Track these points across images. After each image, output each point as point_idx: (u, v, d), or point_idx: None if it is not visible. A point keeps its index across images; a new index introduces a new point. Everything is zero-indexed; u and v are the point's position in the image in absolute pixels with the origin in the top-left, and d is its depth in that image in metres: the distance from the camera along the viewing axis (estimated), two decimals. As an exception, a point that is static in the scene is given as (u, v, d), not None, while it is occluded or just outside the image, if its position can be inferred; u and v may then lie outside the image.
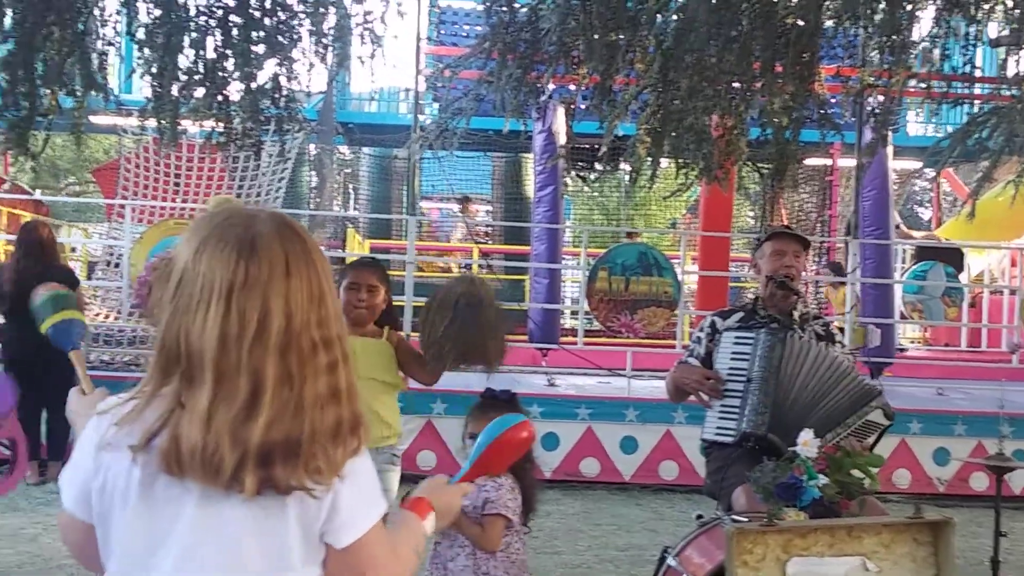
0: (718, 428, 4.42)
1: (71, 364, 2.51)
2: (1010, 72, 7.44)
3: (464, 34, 14.05)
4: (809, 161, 14.93)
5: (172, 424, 1.66)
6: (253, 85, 5.95)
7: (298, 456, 1.66)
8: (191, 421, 1.64)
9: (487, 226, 18.57)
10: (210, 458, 1.63)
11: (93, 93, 5.99)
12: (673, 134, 6.68)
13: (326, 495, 1.73)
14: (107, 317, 11.17)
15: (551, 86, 8.34)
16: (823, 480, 3.43)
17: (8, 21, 5.55)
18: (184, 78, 6.17)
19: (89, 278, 12.55)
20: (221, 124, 6.49)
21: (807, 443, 3.47)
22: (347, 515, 1.76)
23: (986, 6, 7.03)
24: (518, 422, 2.29)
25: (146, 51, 6.11)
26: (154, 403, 1.69)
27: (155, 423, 1.66)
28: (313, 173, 17.04)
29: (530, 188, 15.74)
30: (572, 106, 8.28)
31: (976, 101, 9.79)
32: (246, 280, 1.66)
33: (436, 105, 12.37)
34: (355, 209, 18.38)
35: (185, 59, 6.10)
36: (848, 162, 14.29)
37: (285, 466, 1.66)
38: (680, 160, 7.23)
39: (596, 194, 22.96)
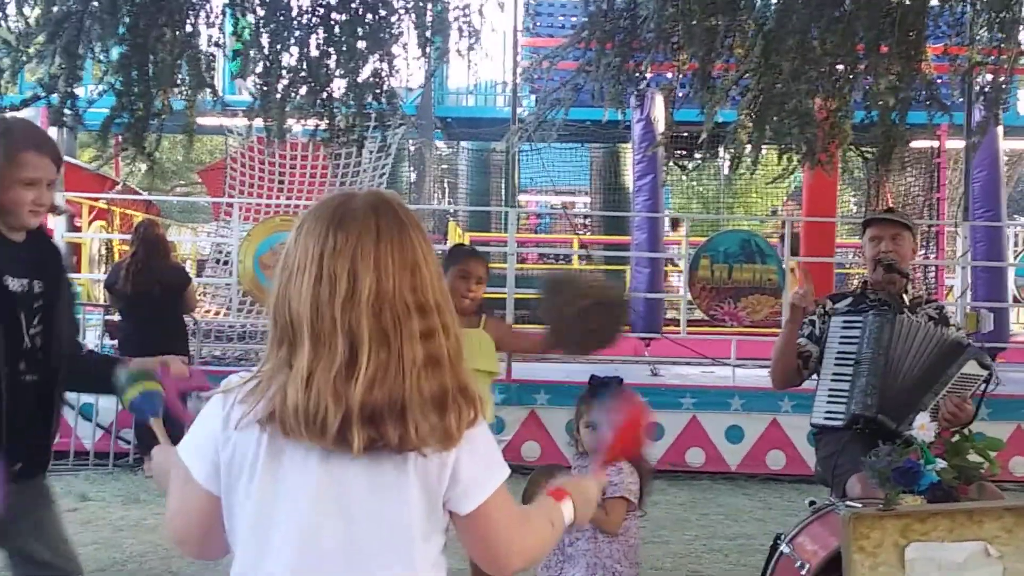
0: (827, 412, 4.36)
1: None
2: None
3: (560, 25, 14.04)
4: (915, 144, 14.57)
5: (281, 388, 1.72)
6: (356, 80, 6.03)
7: (404, 417, 1.70)
8: (293, 382, 1.70)
9: (586, 217, 18.55)
10: (313, 416, 1.68)
11: (202, 94, 6.14)
12: (775, 118, 6.59)
13: (447, 463, 1.77)
14: (217, 313, 11.46)
15: (649, 74, 8.30)
16: (941, 464, 3.35)
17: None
18: (288, 77, 6.28)
19: (199, 275, 12.88)
20: (324, 121, 6.59)
21: (924, 427, 3.39)
22: (468, 483, 1.79)
23: (1102, -22, 6.79)
24: (640, 408, 2.30)
25: (252, 52, 6.25)
26: (275, 376, 1.75)
27: (273, 392, 1.73)
28: (412, 168, 17.21)
29: (628, 178, 15.68)
30: (671, 93, 8.22)
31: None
32: (335, 246, 1.73)
33: (533, 97, 12.38)
34: (453, 203, 18.50)
35: (290, 58, 6.22)
36: (956, 144, 13.91)
37: (393, 425, 1.70)
38: (782, 145, 7.14)
39: (694, 183, 22.75)
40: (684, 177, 20.56)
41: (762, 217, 20.98)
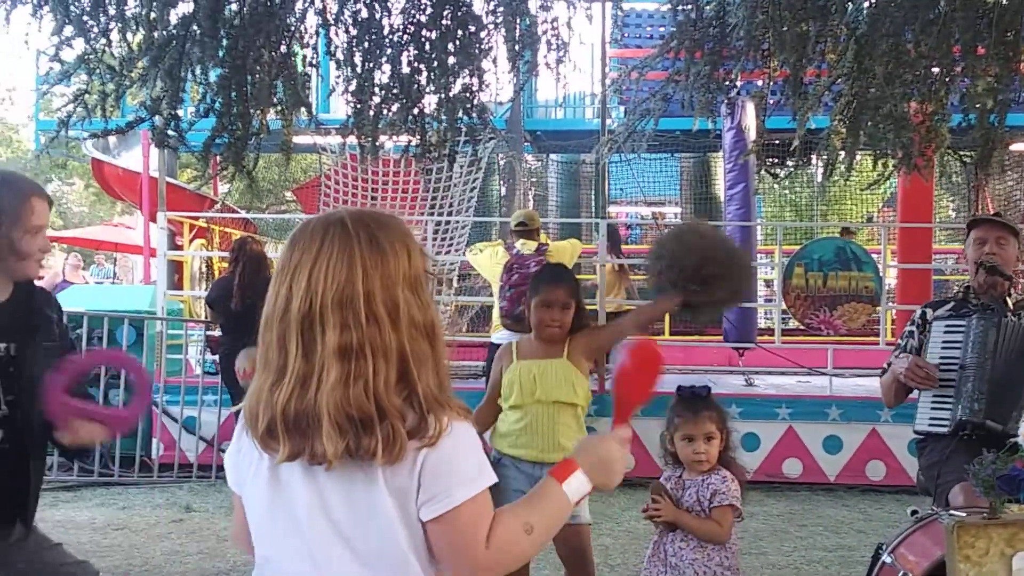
0: (932, 419, 4.29)
1: None
2: None
3: (648, 36, 14.02)
4: (1015, 146, 14.21)
5: None
6: (447, 96, 6.10)
7: (319, 430, 1.75)
8: (250, 392, 1.85)
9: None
10: (251, 419, 1.82)
11: (298, 113, 6.27)
12: (869, 123, 6.49)
13: (414, 470, 1.80)
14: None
15: (739, 82, 8.24)
16: (1048, 472, 3.28)
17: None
18: (381, 94, 6.38)
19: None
20: (416, 137, 6.68)
21: (1029, 433, 3.32)
22: (432, 491, 1.81)
23: None
24: (636, 343, 2.20)
25: (344, 70, 6.37)
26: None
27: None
28: (502, 182, 17.32)
29: (719, 187, 15.56)
30: (763, 101, 8.15)
31: None
32: (283, 265, 1.85)
33: (622, 108, 12.38)
34: (545, 215, 18.56)
35: (382, 75, 6.32)
36: (1058, 145, 13.54)
37: (312, 437, 1.76)
38: (877, 150, 7.03)
39: (786, 191, 22.47)
40: (776, 185, 20.36)
41: (859, 224, 20.64)
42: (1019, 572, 3.10)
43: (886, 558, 3.70)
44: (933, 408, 4.32)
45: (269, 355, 1.82)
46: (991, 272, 4.32)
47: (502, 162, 16.97)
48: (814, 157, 8.93)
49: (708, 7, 6.70)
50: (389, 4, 6.17)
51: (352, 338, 1.77)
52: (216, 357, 8.89)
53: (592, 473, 1.99)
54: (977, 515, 3.17)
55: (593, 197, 16.92)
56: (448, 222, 12.95)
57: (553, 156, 18.34)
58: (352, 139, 6.63)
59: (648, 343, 2.22)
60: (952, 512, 3.45)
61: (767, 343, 10.79)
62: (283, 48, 6.24)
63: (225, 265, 9.44)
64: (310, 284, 1.79)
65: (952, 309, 4.47)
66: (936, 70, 6.51)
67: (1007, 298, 4.38)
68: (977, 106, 6.58)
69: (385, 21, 6.26)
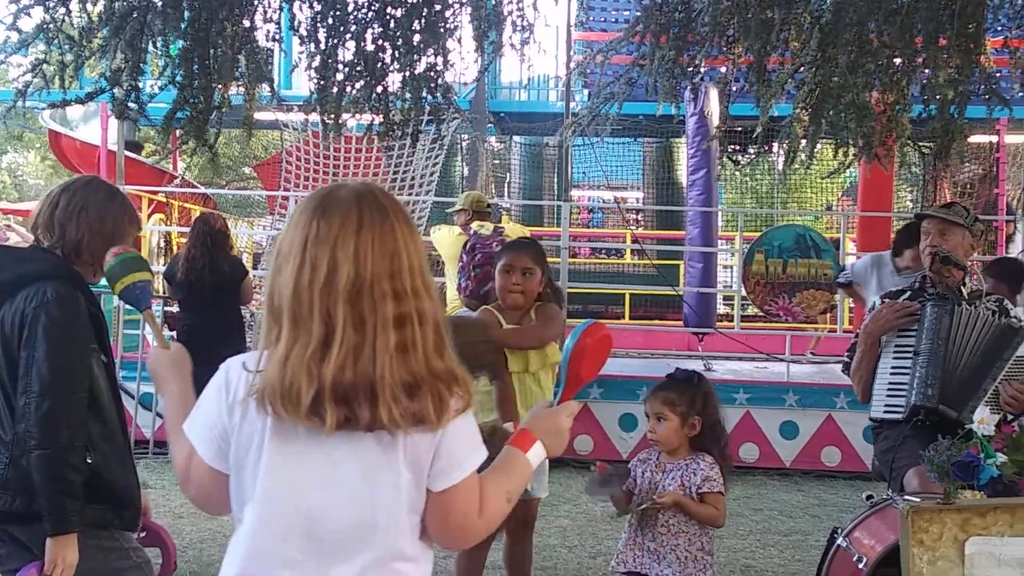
0: (887, 406, 4.35)
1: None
2: None
3: (613, 19, 14.01)
4: (974, 138, 14.36)
5: (265, 369, 1.84)
6: (412, 74, 6.06)
7: (375, 398, 1.79)
8: (272, 361, 1.82)
9: (638, 211, 18.50)
10: (287, 392, 1.78)
11: (260, 88, 6.21)
12: (831, 112, 6.53)
13: (434, 441, 1.88)
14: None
15: (704, 68, 8.25)
16: (1001, 458, 3.33)
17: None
18: (344, 71, 6.33)
19: (255, 268, 13.03)
20: (380, 115, 6.63)
21: (984, 421, 3.36)
22: (447, 462, 1.90)
23: None
24: (589, 325, 2.31)
25: (308, 46, 6.30)
26: (265, 355, 1.87)
27: (261, 374, 1.84)
28: (465, 163, 17.27)
29: (682, 173, 15.62)
30: (726, 87, 8.16)
31: None
32: (318, 234, 1.83)
33: (586, 92, 12.36)
34: (507, 198, 18.54)
35: (345, 52, 6.26)
36: (1016, 138, 13.71)
37: (364, 405, 1.80)
38: (839, 139, 7.07)
39: (747, 178, 22.59)
40: (737, 172, 20.45)
41: (817, 212, 20.80)
42: (972, 557, 3.14)
43: (841, 542, 3.74)
44: (889, 395, 4.37)
45: (301, 325, 1.81)
46: (944, 262, 4.37)
47: (465, 143, 16.91)
48: (776, 145, 8.99)
49: (674, -8, 6.69)
50: (354, -21, 6.12)
51: (406, 308, 1.84)
52: (174, 333, 8.81)
53: (547, 443, 2.15)
54: (931, 500, 3.21)
55: (556, 180, 16.94)
56: (409, 202, 12.90)
57: (517, 138, 18.30)
58: (315, 116, 6.57)
59: (600, 326, 2.33)
60: (907, 497, 3.50)
61: (727, 329, 10.86)
62: (246, 22, 6.18)
63: (184, 240, 9.35)
64: (358, 255, 1.82)
65: (909, 298, 4.51)
66: (898, 60, 6.56)
67: (961, 287, 4.43)
68: (938, 97, 6.64)
69: (350, -3, 6.21)
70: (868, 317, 4.59)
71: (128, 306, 2.79)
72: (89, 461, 2.99)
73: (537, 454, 2.11)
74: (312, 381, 1.78)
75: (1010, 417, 4.11)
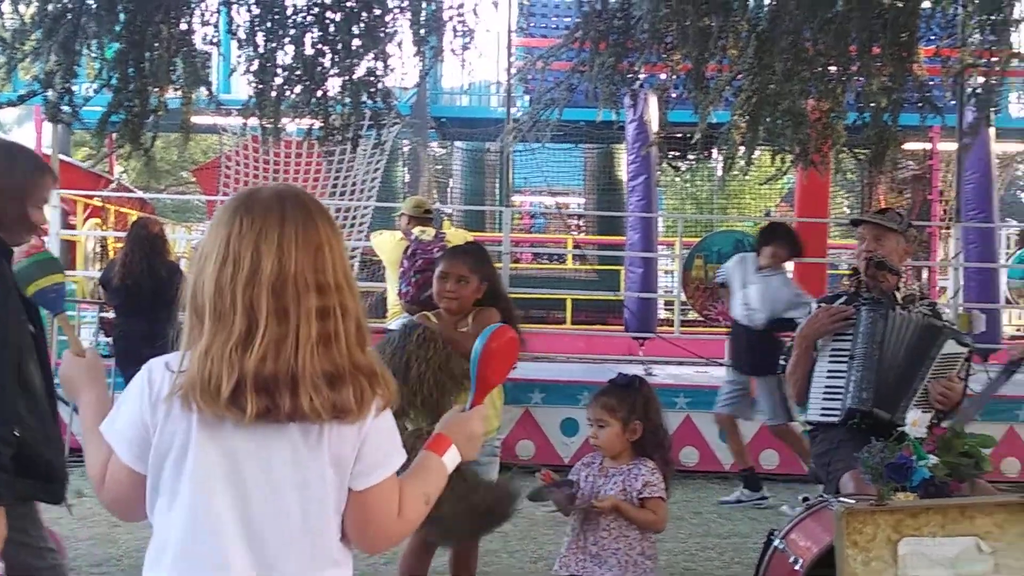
0: (823, 409, 4.40)
1: None
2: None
3: (553, 25, 14.07)
4: (908, 145, 14.61)
5: (187, 366, 1.84)
6: (351, 79, 6.04)
7: (296, 389, 1.81)
8: (193, 357, 1.83)
9: (580, 217, 18.58)
10: (207, 383, 1.79)
11: (197, 92, 6.15)
12: (768, 119, 6.62)
13: (358, 439, 1.90)
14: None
15: (643, 75, 8.31)
16: (933, 460, 3.38)
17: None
18: (283, 75, 6.29)
19: (192, 274, 12.88)
20: (319, 120, 6.60)
21: (916, 423, 3.43)
22: (369, 461, 1.93)
23: (1094, -22, 6.83)
24: (496, 329, 2.31)
25: (246, 50, 6.25)
26: (188, 355, 1.86)
27: (184, 371, 1.84)
28: (406, 168, 17.23)
29: (623, 179, 15.71)
30: (665, 94, 8.23)
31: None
32: (240, 230, 1.85)
33: (527, 97, 12.41)
34: (449, 203, 18.53)
35: (284, 56, 6.23)
36: (949, 145, 13.96)
37: (285, 395, 1.81)
38: (776, 146, 7.16)
39: (688, 184, 22.78)
40: (678, 178, 20.63)
41: (756, 218, 21.02)
42: (904, 557, 3.19)
43: (778, 544, 3.78)
44: (825, 398, 4.42)
45: (223, 319, 1.82)
46: (879, 267, 4.44)
47: (406, 148, 16.87)
48: (715, 151, 9.08)
49: (613, -1, 6.74)
50: (293, -17, 6.09)
51: (329, 301, 1.86)
52: (110, 339, 8.68)
53: (461, 446, 2.16)
54: (865, 502, 3.25)
55: (498, 185, 16.95)
56: (350, 207, 12.83)
57: (458, 143, 18.31)
58: (254, 120, 6.52)
59: (507, 329, 2.33)
60: (841, 499, 3.54)
61: (667, 333, 10.93)
62: (183, 25, 6.11)
63: (120, 246, 9.22)
64: (282, 250, 1.84)
65: (844, 303, 4.57)
66: (833, 68, 6.66)
67: (896, 292, 4.50)
68: (872, 105, 6.76)
69: (288, 1, 6.17)
70: (805, 321, 4.65)
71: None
72: (16, 434, 2.91)
73: (452, 458, 2.14)
74: (233, 372, 1.79)
75: (941, 418, 4.18)
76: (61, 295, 2.64)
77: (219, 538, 1.85)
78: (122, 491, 1.96)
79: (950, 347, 4.23)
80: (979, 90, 7.81)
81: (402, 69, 6.51)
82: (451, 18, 6.35)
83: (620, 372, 4.07)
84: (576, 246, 14.85)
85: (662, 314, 14.05)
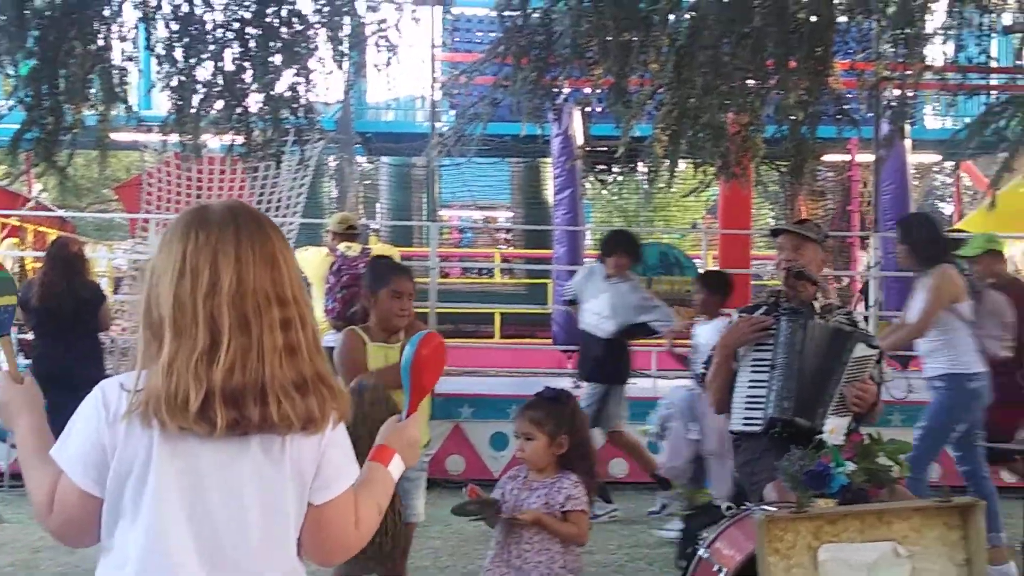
0: (745, 419, 4.43)
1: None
2: (1025, 61, 7.45)
3: (478, 40, 14.11)
4: (828, 157, 14.89)
5: (148, 381, 1.81)
6: (272, 94, 6.00)
7: (265, 398, 1.81)
8: (155, 372, 1.80)
9: (508, 231, 18.62)
10: (174, 398, 1.77)
11: (115, 109, 6.06)
12: (689, 132, 6.71)
13: (317, 452, 1.90)
14: (134, 331, 11.26)
15: (566, 89, 8.37)
16: (851, 467, 3.45)
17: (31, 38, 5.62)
18: (203, 91, 6.23)
19: (115, 293, 12.67)
20: (241, 136, 6.54)
21: (834, 431, 3.49)
22: (328, 475, 1.93)
23: (1000, -6, 7.04)
24: (423, 336, 2.32)
25: (165, 66, 6.19)
26: (144, 374, 1.83)
27: (144, 388, 1.81)
28: (333, 184, 17.13)
29: (550, 192, 15.79)
30: (588, 108, 8.30)
31: (993, 91, 9.74)
32: (196, 244, 1.84)
33: (453, 112, 12.43)
34: (376, 218, 18.46)
35: (204, 72, 6.17)
36: (867, 157, 14.25)
37: (254, 406, 1.81)
38: (697, 158, 7.26)
39: (615, 197, 22.95)
40: (605, 191, 20.78)
41: (683, 230, 21.27)
42: (824, 563, 3.24)
43: (703, 553, 3.81)
44: (747, 408, 4.46)
45: (184, 333, 1.80)
46: (798, 277, 4.50)
47: (333, 164, 16.78)
48: (640, 164, 9.17)
49: (534, 14, 6.77)
50: (212, -1, 6.04)
51: (289, 312, 1.87)
52: (29, 361, 8.48)
53: (404, 454, 2.18)
54: (786, 509, 3.30)
55: (425, 200, 16.93)
56: (276, 224, 12.69)
57: (384, 158, 18.25)
58: (174, 136, 6.45)
59: (434, 335, 2.34)
60: (763, 507, 3.59)
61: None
62: (100, 41, 6.02)
63: (39, 265, 9.02)
64: (240, 263, 1.84)
65: (764, 313, 4.62)
66: (751, 82, 6.77)
67: (814, 301, 4.56)
68: (789, 118, 6.88)
69: (208, 16, 6.11)
70: (725, 330, 4.70)
71: None
72: None
73: (397, 467, 2.15)
74: (200, 385, 1.77)
75: (860, 420, 4.26)
76: (10, 317, 2.56)
77: (179, 556, 1.83)
78: (73, 516, 1.91)
79: (860, 350, 4.30)
80: (893, 103, 8.00)
81: (325, 85, 6.49)
82: (373, 34, 6.34)
83: (547, 386, 4.09)
84: (504, 260, 14.88)
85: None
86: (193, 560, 1.83)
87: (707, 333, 6.52)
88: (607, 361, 7.36)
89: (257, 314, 1.83)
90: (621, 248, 7.39)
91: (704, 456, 6.38)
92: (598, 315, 7.34)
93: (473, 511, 3.89)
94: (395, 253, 8.92)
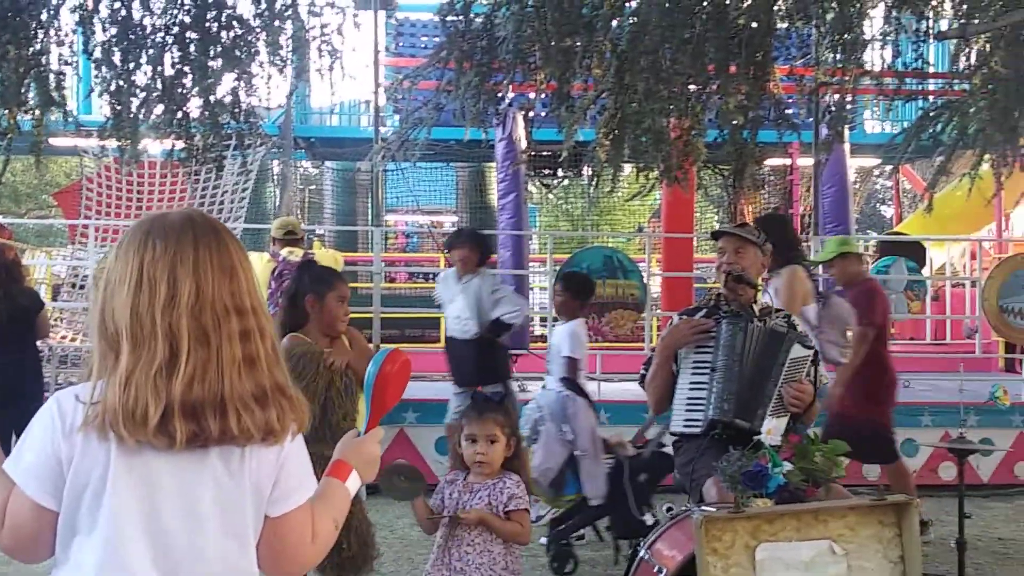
0: (686, 420, 4.47)
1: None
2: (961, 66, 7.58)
3: (423, 45, 14.09)
4: (771, 161, 15.06)
5: (105, 393, 1.79)
6: (212, 100, 5.95)
7: (225, 411, 1.79)
8: (113, 384, 1.78)
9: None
10: (132, 412, 1.75)
11: (51, 113, 5.98)
12: (632, 137, 6.75)
13: (275, 465, 1.89)
14: (73, 339, 11.10)
15: (511, 94, 8.39)
16: (788, 467, 3.49)
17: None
18: (142, 96, 6.17)
19: (54, 300, 12.47)
20: (181, 141, 6.48)
21: (771, 431, 3.53)
22: (285, 487, 1.93)
23: (934, 1, 7.16)
24: (389, 352, 2.33)
25: (103, 70, 6.11)
26: (100, 385, 1.81)
27: (100, 400, 1.79)
28: (277, 189, 17.00)
29: (495, 197, 15.81)
30: (531, 113, 8.32)
31: (930, 96, 9.92)
32: (154, 255, 1.83)
33: (397, 117, 12.39)
34: (321, 223, 18.35)
35: (143, 76, 6.10)
36: (808, 161, 14.42)
37: (214, 419, 1.79)
38: (640, 163, 7.30)
39: (561, 201, 23.04)
40: (552, 195, 20.86)
41: (628, 234, 21.38)
42: (762, 562, 3.28)
43: (643, 554, 3.84)
44: (688, 410, 4.50)
45: (143, 345, 1.78)
46: (738, 281, 4.55)
47: (277, 168, 16.65)
48: (586, 168, 9.20)
49: (477, 19, 6.78)
50: (151, 3, 5.96)
51: (248, 323, 1.86)
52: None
53: (361, 471, 2.18)
54: (724, 510, 3.33)
55: (369, 205, 16.87)
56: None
57: (329, 163, 18.15)
58: (113, 141, 6.37)
59: (400, 352, 2.34)
60: (702, 508, 3.62)
61: (540, 350, 10.99)
62: (37, 45, 5.94)
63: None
64: (198, 274, 1.83)
65: (705, 316, 4.67)
66: (692, 87, 6.84)
67: (753, 304, 4.62)
68: (730, 122, 6.95)
69: (147, 20, 6.05)
70: (666, 332, 4.73)
71: None
72: None
73: (354, 482, 2.14)
74: (160, 398, 1.75)
75: (797, 420, 4.32)
76: None
77: (137, 569, 1.81)
78: (26, 530, 1.87)
79: (796, 351, 4.36)
80: (833, 107, 8.12)
81: (266, 89, 6.45)
82: (315, 39, 6.32)
83: (476, 390, 4.13)
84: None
85: (538, 331, 14.16)
86: (151, 573, 1.81)
87: (560, 334, 6.57)
88: (479, 362, 7.23)
89: (216, 326, 1.82)
90: (462, 241, 7.31)
91: (576, 456, 6.38)
92: (459, 318, 7.28)
93: (402, 487, 3.87)
94: (339, 258, 8.87)
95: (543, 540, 6.35)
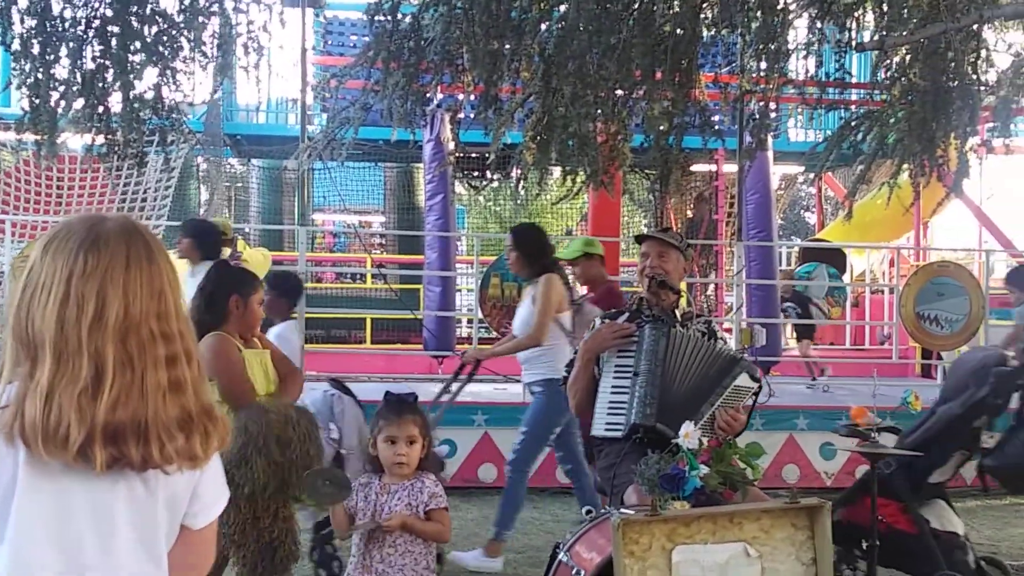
0: (607, 424, 4.49)
1: None
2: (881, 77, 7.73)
3: (352, 44, 14.01)
4: (695, 167, 15.24)
5: (20, 402, 1.74)
6: (133, 95, 5.85)
7: (147, 438, 1.76)
8: (32, 396, 1.73)
9: (380, 236, 18.52)
10: (54, 431, 1.71)
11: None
12: (559, 141, 6.78)
13: (192, 481, 1.88)
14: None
15: (438, 95, 8.38)
16: (705, 470, 3.53)
17: None
18: (62, 89, 6.05)
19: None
20: (102, 136, 6.37)
21: (688, 435, 3.56)
22: (206, 500, 1.93)
23: (856, 13, 7.30)
24: None
25: (22, 62, 5.98)
26: (16, 391, 1.76)
27: (14, 407, 1.74)
28: (203, 186, 16.79)
29: (422, 198, 15.78)
30: (458, 115, 8.32)
31: (851, 106, 10.10)
32: (85, 269, 1.78)
33: (325, 116, 12.30)
34: (246, 221, 18.13)
35: (63, 70, 5.99)
36: (733, 167, 14.62)
37: (136, 445, 1.76)
38: (566, 167, 7.34)
39: (490, 203, 23.07)
40: (481, 197, 20.88)
41: (557, 237, 21.44)
42: (678, 565, 3.32)
43: (562, 556, 3.86)
44: (609, 413, 4.52)
45: (68, 362, 1.74)
46: (661, 286, 4.58)
47: (203, 165, 16.44)
48: (514, 171, 9.22)
49: (405, 19, 6.77)
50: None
51: (174, 348, 1.83)
52: None
53: None
54: (641, 513, 3.36)
55: (296, 204, 16.72)
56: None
57: (255, 161, 17.95)
58: (30, 135, 6.24)
59: None
60: (622, 510, 3.65)
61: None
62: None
63: None
64: (127, 294, 1.79)
65: (627, 319, 4.69)
66: (619, 92, 6.89)
67: (675, 309, 4.66)
68: (659, 128, 7.02)
69: (67, 12, 5.94)
70: (588, 335, 4.76)
71: None
72: None
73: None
74: (84, 421, 1.71)
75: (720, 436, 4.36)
76: None
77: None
78: None
79: (743, 380, 4.38)
80: (756, 115, 8.24)
81: (190, 86, 6.37)
82: (241, 35, 6.25)
83: (388, 390, 4.12)
84: (376, 265, 14.79)
85: (465, 332, 14.16)
86: None
87: (274, 335, 6.58)
88: None
89: (142, 351, 1.79)
90: (181, 232, 7.26)
91: (343, 455, 6.40)
92: None
93: (326, 492, 3.86)
94: (268, 256, 8.79)
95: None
